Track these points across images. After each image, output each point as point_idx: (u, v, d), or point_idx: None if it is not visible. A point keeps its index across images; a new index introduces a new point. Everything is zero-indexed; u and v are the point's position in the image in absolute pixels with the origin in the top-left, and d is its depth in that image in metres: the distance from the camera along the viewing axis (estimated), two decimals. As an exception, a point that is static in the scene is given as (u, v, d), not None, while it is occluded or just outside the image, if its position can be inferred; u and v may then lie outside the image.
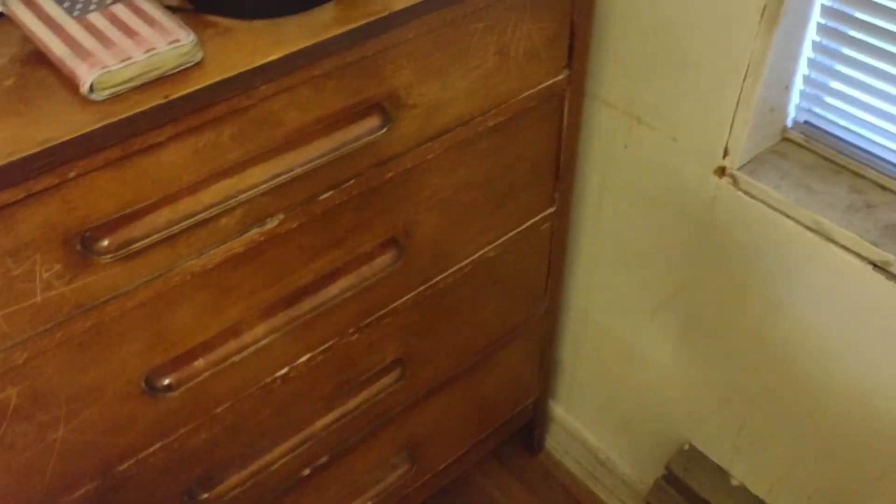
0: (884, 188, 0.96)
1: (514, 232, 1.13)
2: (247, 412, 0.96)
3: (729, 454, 1.25)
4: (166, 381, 0.83)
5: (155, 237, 0.71)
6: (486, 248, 1.11)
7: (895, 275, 0.89)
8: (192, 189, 0.72)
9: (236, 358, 0.88)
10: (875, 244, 0.89)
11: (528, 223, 1.14)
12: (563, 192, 1.15)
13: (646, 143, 1.09)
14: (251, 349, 0.89)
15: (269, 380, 0.95)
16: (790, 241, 0.97)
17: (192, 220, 0.73)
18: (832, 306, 0.97)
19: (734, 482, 1.26)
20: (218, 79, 0.68)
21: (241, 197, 0.76)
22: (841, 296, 0.95)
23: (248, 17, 0.74)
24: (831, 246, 0.93)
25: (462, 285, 1.12)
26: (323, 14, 0.75)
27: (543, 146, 1.07)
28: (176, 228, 0.72)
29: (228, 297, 0.84)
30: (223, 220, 0.77)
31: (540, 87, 0.98)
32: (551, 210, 1.16)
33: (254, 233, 0.81)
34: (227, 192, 0.75)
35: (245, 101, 0.71)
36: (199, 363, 0.85)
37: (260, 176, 0.77)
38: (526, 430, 1.61)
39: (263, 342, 0.89)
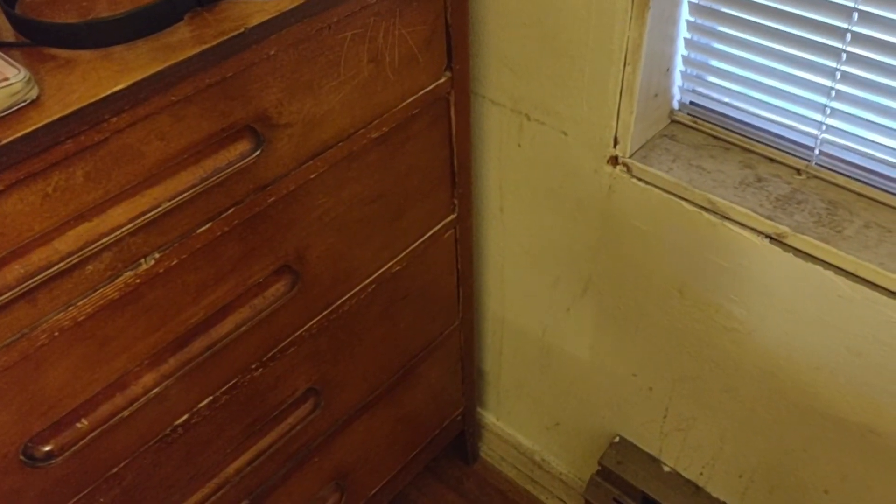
0: (772, 160, 0.96)
1: (416, 244, 1.10)
2: (149, 467, 0.90)
3: (657, 442, 1.25)
4: (47, 449, 0.76)
5: (8, 296, 0.65)
6: (389, 264, 1.07)
7: (792, 246, 0.89)
8: (46, 238, 0.66)
9: (126, 413, 0.81)
10: (769, 218, 0.90)
11: (430, 233, 1.11)
12: (462, 197, 1.13)
13: (538, 140, 1.07)
14: (142, 401, 0.82)
15: (168, 430, 0.89)
16: (688, 222, 0.96)
17: (50, 271, 0.67)
18: (736, 283, 0.97)
19: (666, 469, 1.26)
20: (58, 115, 0.62)
21: (106, 240, 0.70)
22: (743, 272, 0.95)
23: (90, 47, 0.68)
24: (727, 223, 0.93)
25: (369, 305, 1.08)
26: (173, 36, 0.70)
27: (435, 152, 1.05)
28: (32, 283, 0.66)
29: (109, 348, 0.78)
30: (90, 267, 0.71)
31: (422, 92, 0.96)
32: (452, 217, 1.14)
33: (127, 276, 0.75)
34: (88, 237, 0.69)
35: (96, 136, 0.66)
36: (83, 424, 0.78)
37: (124, 215, 0.71)
38: (458, 441, 1.58)
39: (155, 391, 0.83)
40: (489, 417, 1.58)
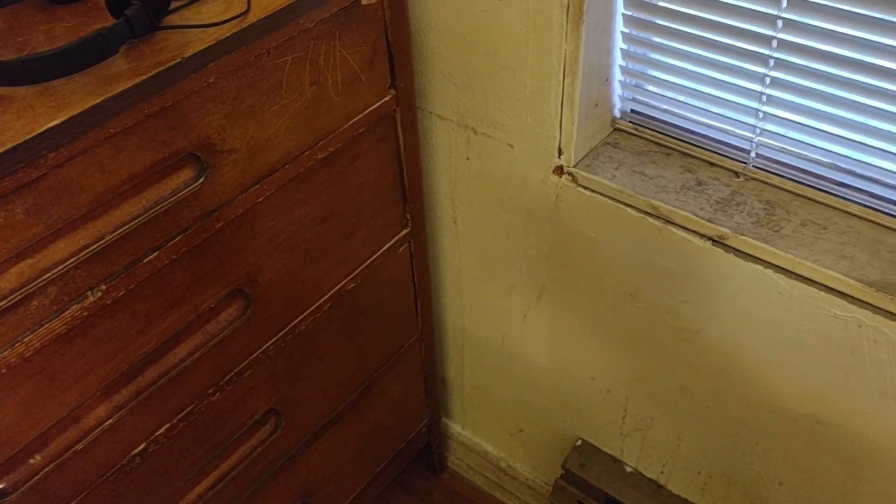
0: (711, 164, 0.99)
1: (371, 259, 1.11)
2: (108, 498, 0.89)
3: (618, 443, 1.27)
4: (0, 487, 0.76)
5: (-50, 336, 0.64)
6: (344, 281, 1.08)
7: (733, 247, 0.91)
8: (-13, 276, 0.66)
9: (79, 446, 0.81)
10: (710, 220, 0.92)
11: (384, 248, 1.12)
12: (414, 211, 1.14)
13: (485, 153, 1.09)
14: (96, 433, 0.82)
15: (125, 460, 0.88)
16: (633, 228, 0.98)
17: (-8, 309, 0.66)
18: (683, 285, 0.99)
19: (628, 469, 1.28)
20: (-6, 154, 0.62)
21: (49, 275, 0.70)
22: (689, 274, 0.97)
23: (26, 83, 0.68)
24: (671, 227, 0.95)
25: (326, 323, 1.08)
26: (110, 69, 0.70)
27: (385, 169, 1.05)
28: (-25, 322, 0.66)
29: (59, 382, 0.77)
30: (35, 303, 0.71)
31: (367, 111, 0.97)
32: (405, 231, 1.15)
33: (74, 309, 0.74)
34: (31, 272, 0.69)
35: (33, 173, 0.66)
36: (36, 460, 0.77)
37: (67, 249, 0.71)
38: (425, 453, 1.59)
39: (109, 422, 0.83)
40: (455, 427, 1.59)
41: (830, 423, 0.95)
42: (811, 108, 0.85)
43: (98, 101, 0.67)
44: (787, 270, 0.88)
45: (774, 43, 0.83)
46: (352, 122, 0.95)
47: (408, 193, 1.11)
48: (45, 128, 0.64)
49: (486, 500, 1.60)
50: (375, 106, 0.97)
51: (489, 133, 1.06)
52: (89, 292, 0.75)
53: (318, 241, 1.00)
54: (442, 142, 1.13)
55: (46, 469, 0.79)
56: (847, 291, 0.85)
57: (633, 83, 1.00)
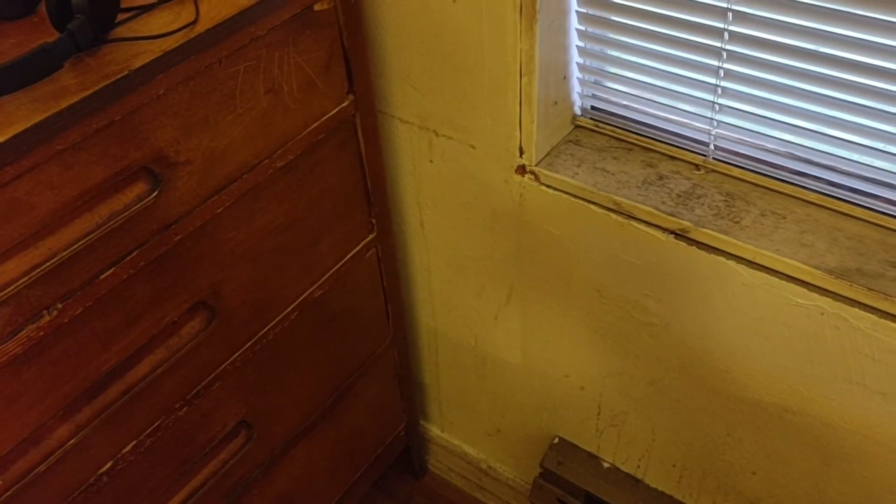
0: (672, 158, 0.99)
1: (338, 266, 1.10)
2: (76, 519, 0.88)
3: (594, 439, 1.27)
4: (-41, 513, 0.74)
5: None
6: (311, 289, 1.07)
7: (695, 240, 0.92)
8: (-65, 300, 0.65)
9: (42, 468, 0.80)
10: (672, 214, 0.92)
11: (350, 254, 1.12)
12: (380, 216, 1.13)
13: (448, 155, 1.08)
14: (58, 453, 0.81)
15: (92, 479, 0.87)
16: (596, 224, 0.99)
17: (-58, 333, 0.65)
18: (648, 279, 0.99)
19: (605, 465, 1.28)
20: (-64, 175, 0.61)
21: (1, 295, 0.69)
22: (654, 268, 0.98)
23: (-32, 101, 0.67)
24: (634, 223, 0.95)
25: (293, 332, 1.08)
26: (55, 84, 0.69)
27: (347, 175, 1.05)
28: (-76, 347, 0.64)
29: (18, 404, 0.76)
30: (-12, 325, 0.70)
31: (325, 117, 0.96)
32: (371, 236, 1.14)
33: (30, 329, 0.73)
34: (-19, 294, 0.68)
35: (-20, 193, 0.65)
36: (-3, 483, 0.76)
37: (18, 269, 0.70)
38: (405, 456, 1.58)
39: (72, 442, 0.82)
40: (433, 430, 1.59)
41: (798, 412, 0.96)
42: (765, 98, 0.86)
43: (44, 117, 0.66)
44: (749, 261, 0.89)
45: (726, 35, 0.84)
46: (310, 128, 0.94)
47: (372, 198, 1.11)
48: (-12, 146, 0.63)
49: (467, 501, 1.60)
50: (334, 112, 0.97)
51: (451, 135, 1.06)
52: (45, 312, 0.74)
53: (282, 250, 0.99)
54: (405, 145, 1.13)
55: (9, 492, 0.77)
56: (808, 280, 0.85)
57: (592, 80, 1.00)
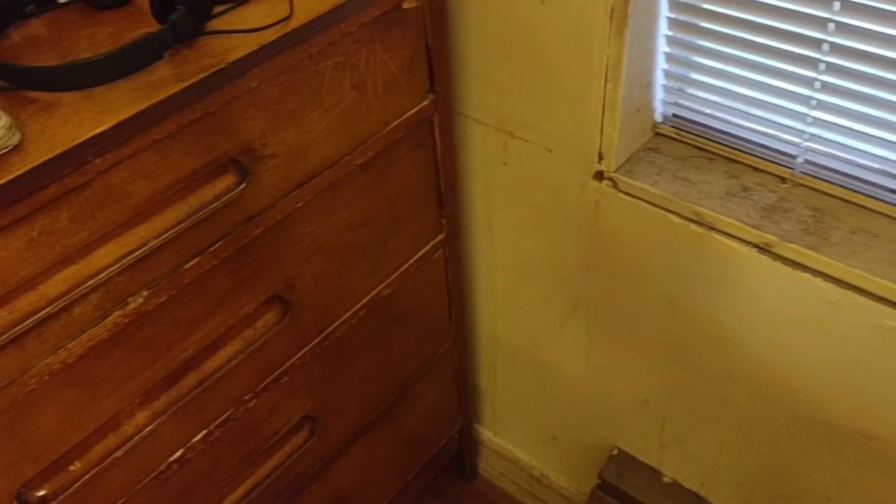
0: (757, 169, 0.97)
1: (406, 265, 1.10)
2: (145, 505, 0.89)
3: (657, 453, 1.25)
4: (40, 494, 0.75)
5: (-5, 343, 0.64)
6: (380, 287, 1.07)
7: (780, 255, 0.89)
8: (32, 283, 0.66)
9: (119, 453, 0.80)
10: (756, 227, 0.90)
11: (419, 254, 1.11)
12: (450, 217, 1.13)
13: (523, 158, 1.07)
14: (135, 439, 0.82)
15: (163, 467, 0.88)
16: (675, 235, 0.97)
17: (37, 317, 0.66)
18: (725, 293, 0.97)
19: (666, 480, 1.26)
20: (41, 160, 0.62)
21: (93, 282, 0.70)
22: (732, 282, 0.95)
23: (71, 89, 0.68)
24: (715, 234, 0.93)
25: (361, 329, 1.07)
26: (154, 74, 0.70)
27: (421, 174, 1.05)
28: (20, 329, 0.65)
29: (100, 388, 0.77)
30: (77, 309, 0.71)
31: (406, 115, 0.96)
32: (441, 237, 1.13)
33: (116, 316, 0.74)
34: (74, 279, 0.68)
35: (79, 179, 0.65)
36: (76, 467, 0.77)
37: (111, 256, 0.71)
38: (457, 459, 1.57)
39: (148, 429, 0.83)
40: (487, 434, 1.58)
41: (881, 439, 0.93)
42: (863, 112, 0.83)
43: (144, 106, 0.67)
44: (837, 279, 0.86)
45: (826, 46, 0.81)
46: (390, 126, 0.94)
47: (444, 199, 1.10)
48: (91, 134, 0.64)
49: (517, 508, 1.59)
50: (414, 111, 0.97)
51: (527, 137, 1.05)
52: (131, 299, 0.75)
53: (355, 247, 0.99)
54: (478, 146, 1.12)
55: (86, 476, 0.78)
56: (901, 301, 0.82)
57: (676, 87, 0.98)
